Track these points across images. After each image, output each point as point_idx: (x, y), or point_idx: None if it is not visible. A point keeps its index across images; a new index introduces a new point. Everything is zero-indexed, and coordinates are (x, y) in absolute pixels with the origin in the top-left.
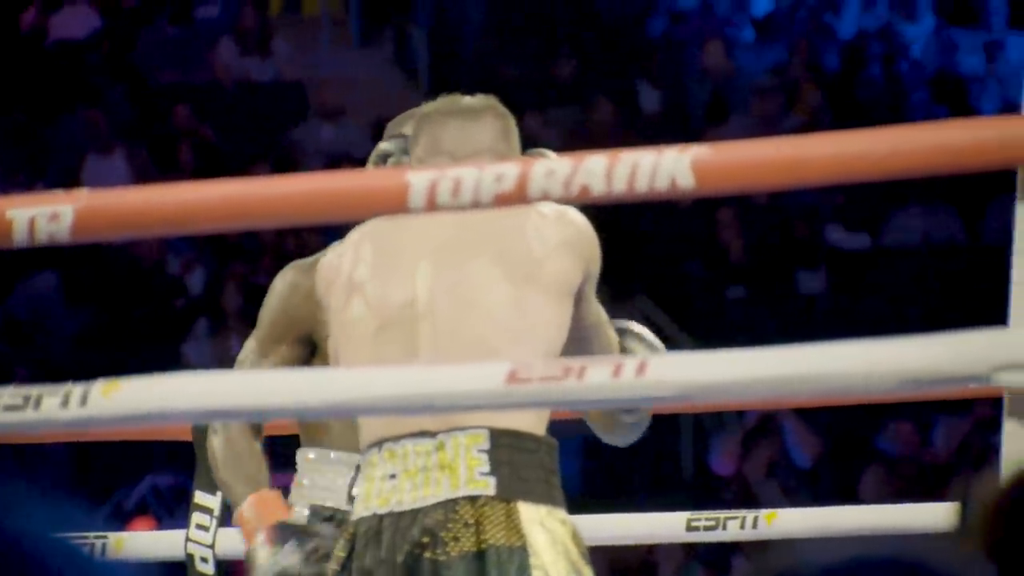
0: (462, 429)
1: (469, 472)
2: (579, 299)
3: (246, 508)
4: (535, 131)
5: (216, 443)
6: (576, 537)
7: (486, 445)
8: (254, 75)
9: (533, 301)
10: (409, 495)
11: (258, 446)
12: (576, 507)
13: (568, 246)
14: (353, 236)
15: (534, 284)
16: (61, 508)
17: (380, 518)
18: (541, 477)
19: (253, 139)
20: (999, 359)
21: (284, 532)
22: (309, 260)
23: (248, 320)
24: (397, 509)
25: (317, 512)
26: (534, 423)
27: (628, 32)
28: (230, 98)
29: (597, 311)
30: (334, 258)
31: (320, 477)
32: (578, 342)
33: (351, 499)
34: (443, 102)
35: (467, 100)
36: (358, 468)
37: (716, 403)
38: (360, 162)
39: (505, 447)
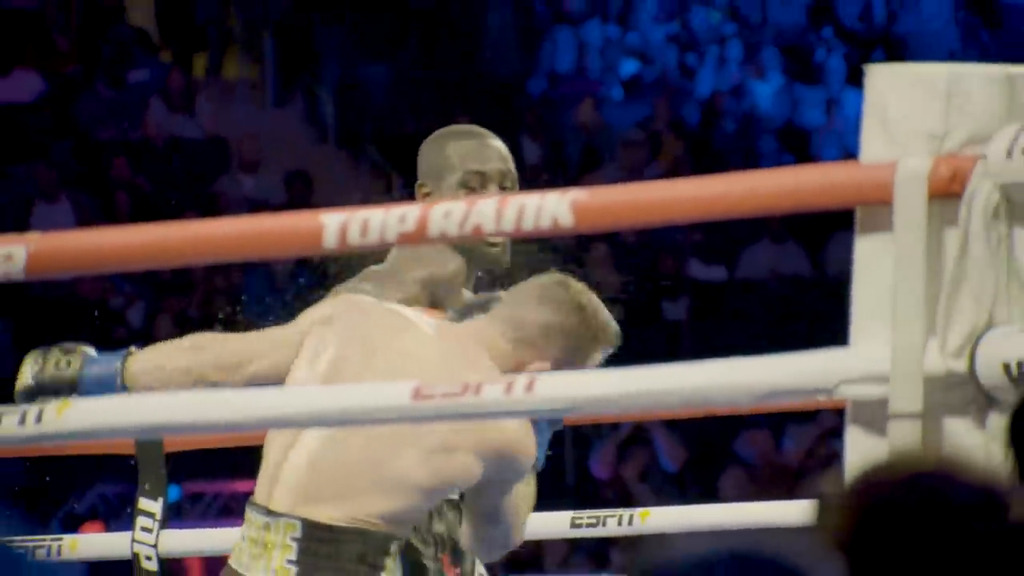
0: (285, 516)
1: (280, 557)
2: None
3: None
4: None
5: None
6: None
7: (298, 534)
8: (182, 132)
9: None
10: (247, 561)
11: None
12: None
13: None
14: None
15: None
16: (12, 518)
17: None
18: (349, 569)
19: (182, 189)
20: (842, 374)
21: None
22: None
23: None
24: (240, 570)
25: None
26: (354, 517)
27: (512, 92)
28: (161, 152)
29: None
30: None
31: None
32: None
33: None
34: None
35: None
36: None
37: (596, 415)
38: (276, 208)
39: (315, 540)
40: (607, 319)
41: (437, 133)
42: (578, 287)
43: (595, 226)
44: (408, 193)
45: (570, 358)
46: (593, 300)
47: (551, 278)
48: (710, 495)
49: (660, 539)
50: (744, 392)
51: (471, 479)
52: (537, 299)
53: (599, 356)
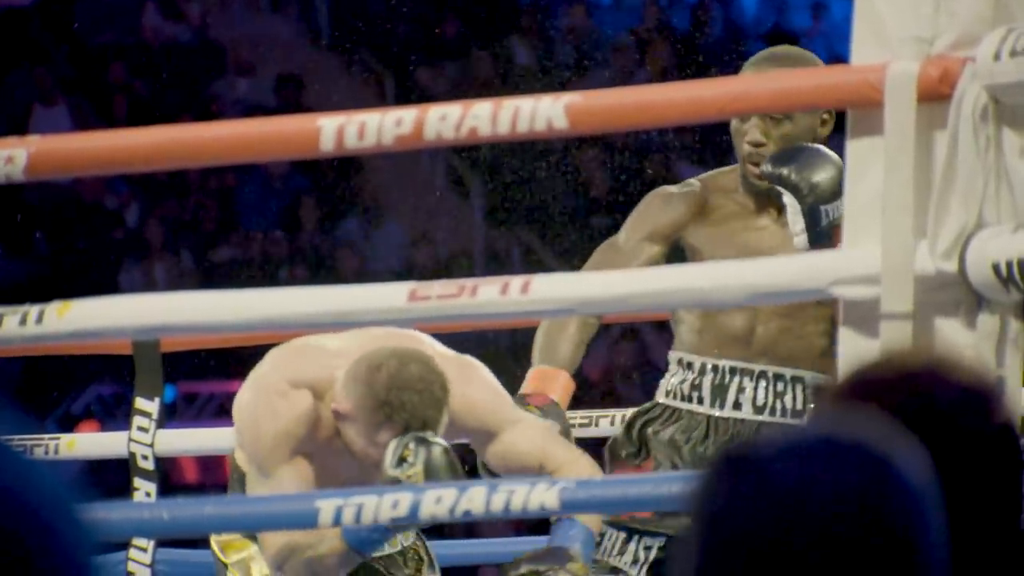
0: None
1: None
2: None
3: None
4: (425, 82)
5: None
6: None
7: None
8: (178, 36)
9: None
10: None
11: (575, 334)
12: None
13: None
14: None
15: None
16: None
17: None
18: None
19: (178, 92)
20: (835, 274)
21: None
22: (675, 188)
23: (171, 251)
24: None
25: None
26: None
27: None
28: (157, 57)
29: None
30: None
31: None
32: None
33: (666, 394)
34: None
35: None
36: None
37: (592, 315)
38: (271, 111)
39: None
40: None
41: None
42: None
43: (589, 128)
44: (400, 97)
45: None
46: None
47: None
48: None
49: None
50: (740, 292)
51: None
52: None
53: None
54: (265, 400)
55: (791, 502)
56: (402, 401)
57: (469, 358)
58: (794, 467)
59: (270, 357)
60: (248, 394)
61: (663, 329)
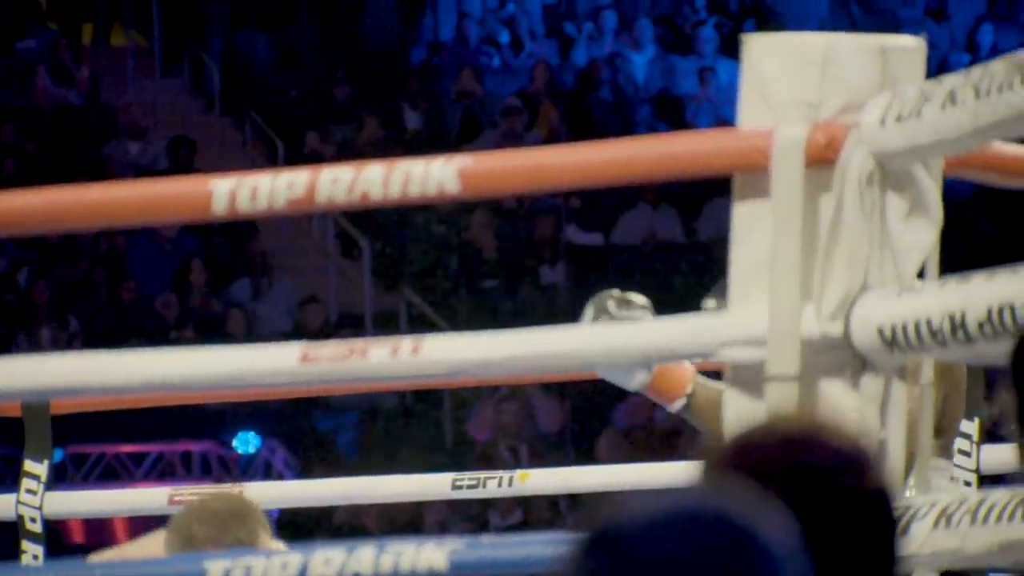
0: None
1: None
2: None
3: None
4: (315, 146)
5: None
6: None
7: None
8: (69, 99)
9: None
10: None
11: None
12: (355, 470)
13: None
14: None
15: None
16: None
17: None
18: None
19: (70, 155)
20: (722, 337)
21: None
22: None
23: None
24: None
25: None
26: None
27: (393, 61)
28: (49, 119)
29: None
30: None
31: None
32: None
33: None
34: None
35: None
36: None
37: (479, 379)
38: (162, 173)
39: None
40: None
41: None
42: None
43: (480, 192)
44: (291, 160)
45: None
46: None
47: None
48: (586, 457)
49: (609, 499)
50: (625, 355)
51: None
52: None
53: None
54: None
55: None
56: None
57: None
58: (658, 545)
59: None
60: None
61: (549, 391)
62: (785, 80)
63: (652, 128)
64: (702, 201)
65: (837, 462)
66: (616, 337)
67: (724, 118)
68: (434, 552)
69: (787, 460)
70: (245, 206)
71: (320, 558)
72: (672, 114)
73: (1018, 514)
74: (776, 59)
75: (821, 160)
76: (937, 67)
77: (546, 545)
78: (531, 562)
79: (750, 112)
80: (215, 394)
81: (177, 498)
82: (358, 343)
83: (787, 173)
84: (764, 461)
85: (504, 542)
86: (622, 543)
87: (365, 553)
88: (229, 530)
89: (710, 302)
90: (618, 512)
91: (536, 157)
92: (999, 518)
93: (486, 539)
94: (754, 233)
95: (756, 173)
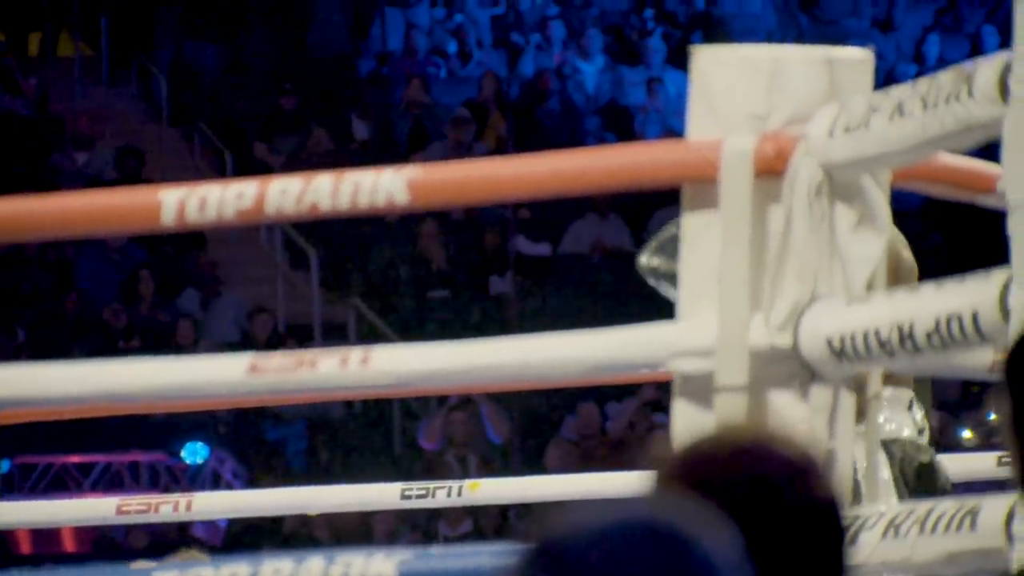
0: None
1: None
2: None
3: None
4: (262, 156)
5: None
6: None
7: None
8: (16, 109)
9: None
10: None
11: None
12: (304, 480)
13: None
14: None
15: None
16: None
17: None
18: None
19: (17, 165)
20: (671, 348)
21: None
22: None
23: (2, 324)
24: None
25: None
26: None
27: (341, 71)
28: None
29: None
30: None
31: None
32: None
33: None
34: None
35: None
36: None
37: (429, 389)
38: (110, 183)
39: None
40: None
41: None
42: None
43: (430, 203)
44: (240, 171)
45: None
46: None
47: None
48: (535, 467)
49: (556, 510)
50: (579, 366)
51: None
52: None
53: None
54: None
55: None
56: None
57: None
58: (601, 557)
59: None
60: None
61: (499, 401)
62: (733, 91)
63: (601, 139)
64: (651, 210)
65: (786, 472)
66: (564, 348)
67: (672, 129)
68: (383, 562)
69: (736, 471)
70: (194, 217)
71: (269, 568)
72: (620, 125)
73: (966, 524)
74: (724, 70)
75: (770, 171)
76: (884, 78)
77: (495, 555)
78: (480, 573)
79: (698, 123)
80: (163, 404)
81: (125, 508)
82: (307, 354)
83: (736, 184)
84: (713, 472)
85: (453, 552)
86: (566, 555)
87: (314, 563)
88: None
89: (653, 259)
90: (563, 524)
91: (485, 168)
92: (947, 528)
93: (435, 549)
94: (703, 244)
95: (705, 184)
